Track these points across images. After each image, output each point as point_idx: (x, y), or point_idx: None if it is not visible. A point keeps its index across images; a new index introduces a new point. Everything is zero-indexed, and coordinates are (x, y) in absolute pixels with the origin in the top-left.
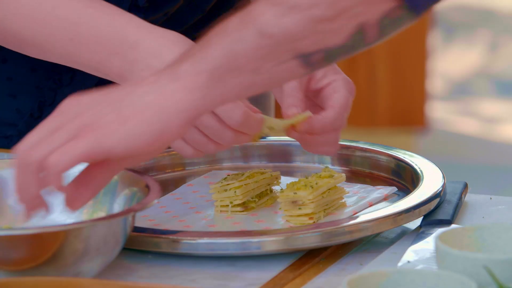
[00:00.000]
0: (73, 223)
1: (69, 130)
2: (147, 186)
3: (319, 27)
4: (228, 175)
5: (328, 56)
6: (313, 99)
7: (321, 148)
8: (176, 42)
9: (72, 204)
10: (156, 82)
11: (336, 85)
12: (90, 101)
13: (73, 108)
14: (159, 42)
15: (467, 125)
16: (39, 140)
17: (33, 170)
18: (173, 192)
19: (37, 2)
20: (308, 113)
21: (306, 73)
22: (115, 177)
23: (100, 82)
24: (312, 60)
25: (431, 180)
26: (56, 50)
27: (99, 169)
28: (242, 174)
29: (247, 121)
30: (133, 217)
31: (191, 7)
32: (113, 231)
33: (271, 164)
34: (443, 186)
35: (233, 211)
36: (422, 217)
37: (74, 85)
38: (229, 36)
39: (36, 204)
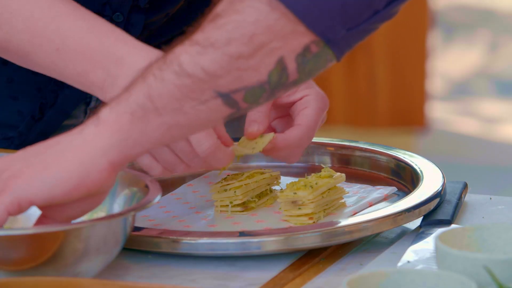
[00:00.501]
0: (73, 223)
1: None
2: (147, 186)
3: (236, 64)
4: (228, 175)
5: (249, 95)
6: (286, 110)
7: (281, 158)
8: (155, 54)
9: None
10: (81, 131)
11: (307, 100)
12: (16, 155)
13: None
14: (144, 58)
15: (467, 125)
16: None
17: None
18: (173, 192)
19: (27, 10)
20: (271, 135)
21: (233, 113)
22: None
23: None
24: (234, 99)
25: (431, 180)
26: (41, 60)
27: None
28: (242, 174)
29: (215, 154)
30: (133, 217)
31: (191, 8)
32: (113, 231)
33: (271, 164)
34: (443, 186)
35: (233, 211)
36: (422, 217)
37: (75, 87)
38: (149, 77)
39: None
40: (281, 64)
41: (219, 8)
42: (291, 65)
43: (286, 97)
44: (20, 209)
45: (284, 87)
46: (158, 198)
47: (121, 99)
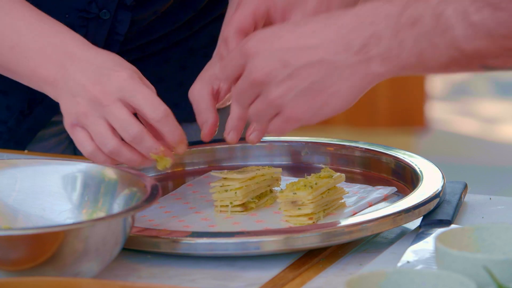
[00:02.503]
0: (73, 223)
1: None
2: (147, 186)
3: (510, 53)
4: (228, 171)
5: (509, 69)
6: None
7: None
8: (110, 54)
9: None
10: (366, 67)
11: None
12: (290, 80)
13: (272, 78)
14: (94, 56)
15: (467, 125)
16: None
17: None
18: (173, 192)
19: None
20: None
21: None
22: (115, 177)
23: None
24: (496, 68)
25: (431, 180)
26: None
27: None
28: (243, 171)
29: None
30: (133, 217)
31: (183, 6)
32: (113, 231)
33: (270, 164)
34: (443, 186)
35: (233, 211)
36: (421, 217)
37: None
38: (422, 38)
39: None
40: None
41: None
42: None
43: None
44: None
45: None
46: (158, 198)
47: (392, 50)
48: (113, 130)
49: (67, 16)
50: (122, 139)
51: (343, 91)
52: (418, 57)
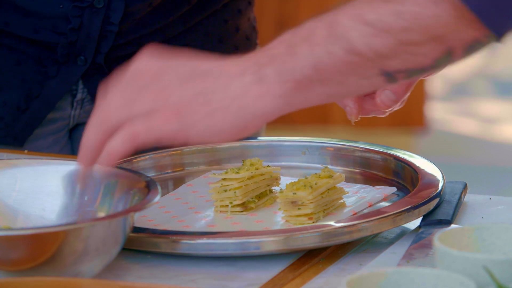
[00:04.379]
0: (73, 223)
1: (149, 103)
2: (147, 186)
3: (408, 49)
4: (227, 170)
5: (409, 75)
6: None
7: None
8: None
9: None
10: (240, 78)
11: None
12: (172, 74)
13: (152, 75)
14: None
15: (467, 126)
16: (118, 103)
17: (107, 128)
18: (173, 192)
19: None
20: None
21: (386, 86)
22: (115, 177)
23: (85, 74)
24: (395, 77)
25: (431, 180)
26: None
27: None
28: (240, 169)
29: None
30: (133, 217)
31: None
32: (113, 231)
33: (270, 164)
34: (443, 186)
35: (233, 211)
36: (421, 217)
37: (60, 78)
38: (316, 47)
39: (91, 157)
40: (449, 53)
41: None
42: (458, 53)
43: None
44: (171, 140)
45: (442, 68)
46: (158, 198)
47: (286, 63)
48: None
49: (61, 6)
50: None
51: (229, 111)
52: (315, 67)
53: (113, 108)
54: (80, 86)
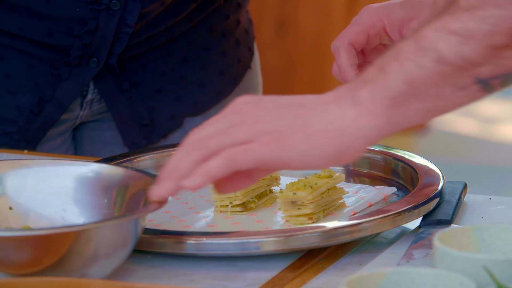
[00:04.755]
0: (83, 224)
1: (248, 131)
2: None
3: (498, 53)
4: None
5: (506, 80)
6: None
7: None
8: None
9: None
10: (336, 104)
11: None
12: (269, 105)
13: (250, 108)
14: None
15: (467, 125)
16: (216, 132)
17: (203, 153)
18: None
19: None
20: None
21: (484, 97)
22: (127, 178)
23: (96, 75)
24: (491, 84)
25: (431, 180)
26: None
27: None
28: None
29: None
30: (144, 219)
31: None
32: (124, 233)
33: None
34: (443, 186)
35: (233, 211)
36: (421, 217)
37: (72, 80)
38: (406, 63)
39: (177, 177)
40: None
41: None
42: None
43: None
44: (266, 165)
45: None
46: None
47: (379, 82)
48: None
49: (77, 10)
50: None
51: (318, 133)
52: (407, 81)
53: (212, 134)
54: (91, 87)
